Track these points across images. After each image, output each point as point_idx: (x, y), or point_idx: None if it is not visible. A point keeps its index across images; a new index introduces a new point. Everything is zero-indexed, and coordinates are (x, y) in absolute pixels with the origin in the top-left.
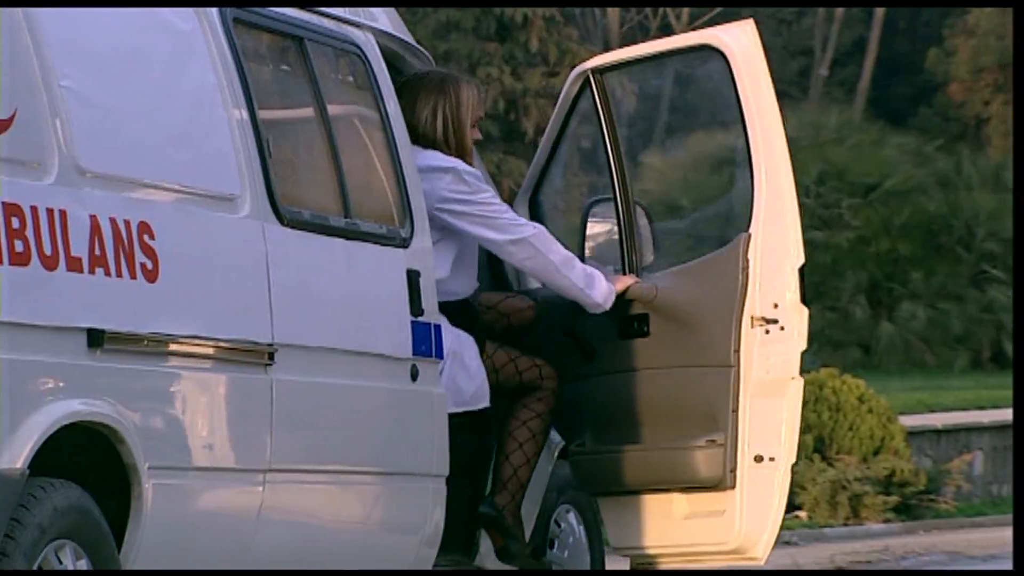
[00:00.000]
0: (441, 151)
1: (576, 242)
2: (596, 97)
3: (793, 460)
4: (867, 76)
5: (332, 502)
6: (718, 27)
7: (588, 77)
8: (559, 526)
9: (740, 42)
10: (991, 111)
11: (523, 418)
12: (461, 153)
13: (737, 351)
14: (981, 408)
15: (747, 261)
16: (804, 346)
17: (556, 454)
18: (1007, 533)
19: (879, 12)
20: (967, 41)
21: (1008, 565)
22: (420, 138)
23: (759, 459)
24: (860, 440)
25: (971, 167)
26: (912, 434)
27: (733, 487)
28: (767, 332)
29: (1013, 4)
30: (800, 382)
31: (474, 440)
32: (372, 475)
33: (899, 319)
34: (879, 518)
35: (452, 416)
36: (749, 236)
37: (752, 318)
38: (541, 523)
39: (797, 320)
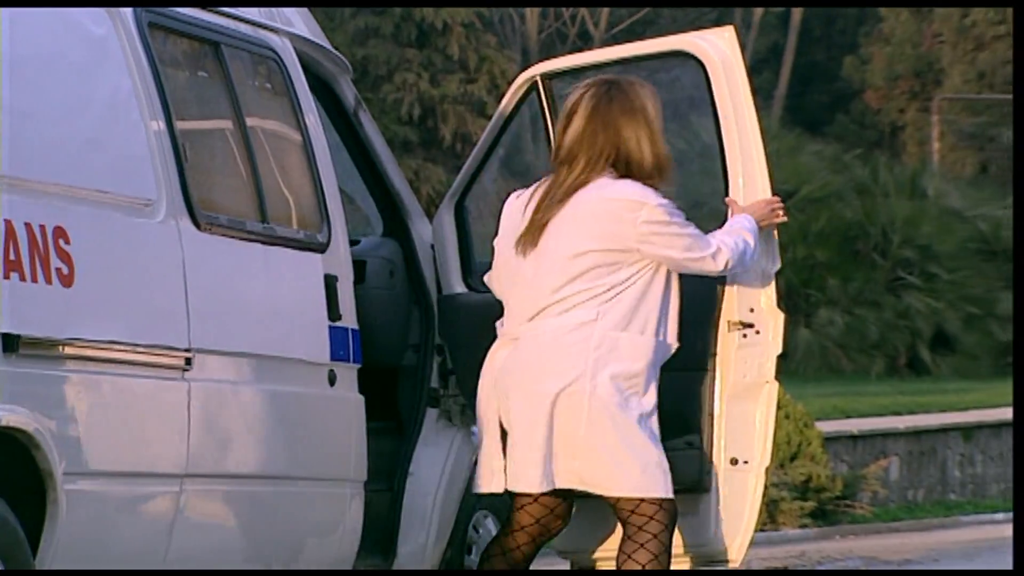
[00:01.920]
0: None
1: None
2: (544, 103)
3: (768, 463)
4: (784, 83)
5: (250, 507)
6: (695, 33)
7: (536, 82)
8: (477, 531)
9: (718, 49)
10: (906, 118)
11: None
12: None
13: (714, 355)
14: (897, 414)
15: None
16: (780, 350)
17: (474, 459)
18: (923, 538)
19: (795, 19)
20: (882, 49)
21: (930, 566)
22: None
23: (734, 462)
24: (777, 446)
25: (887, 174)
26: (829, 440)
27: (708, 490)
28: (744, 336)
29: (1013, 4)
30: (775, 386)
31: (393, 444)
32: (290, 480)
33: (816, 325)
34: (796, 524)
35: (370, 420)
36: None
37: (729, 322)
38: (459, 528)
39: (773, 324)
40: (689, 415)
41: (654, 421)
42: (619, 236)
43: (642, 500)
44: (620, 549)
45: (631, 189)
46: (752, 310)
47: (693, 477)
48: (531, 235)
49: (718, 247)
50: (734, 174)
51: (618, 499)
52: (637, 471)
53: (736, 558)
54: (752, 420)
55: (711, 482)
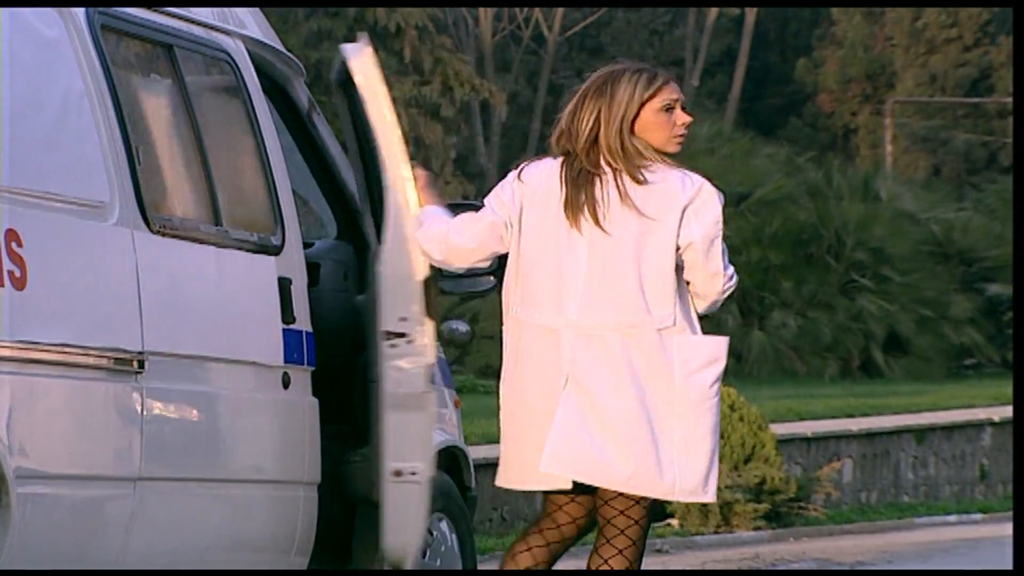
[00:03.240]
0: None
1: None
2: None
3: (432, 474)
4: (737, 86)
5: (203, 510)
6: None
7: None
8: (431, 534)
9: (361, 66)
10: (859, 121)
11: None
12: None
13: (375, 365)
14: (850, 416)
15: (377, 275)
16: (432, 359)
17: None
18: (876, 540)
19: (749, 23)
20: (835, 52)
21: (885, 567)
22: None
23: (399, 474)
24: (731, 448)
25: (840, 177)
26: (782, 442)
27: (378, 503)
28: (393, 346)
29: (1013, 4)
30: (432, 395)
31: (347, 448)
32: (243, 483)
33: (770, 328)
34: (750, 526)
35: (323, 423)
36: (380, 249)
37: (384, 332)
38: None
39: (424, 333)
40: (363, 427)
41: None
42: None
43: (638, 501)
44: (597, 552)
45: None
46: (403, 319)
47: (364, 490)
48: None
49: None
50: (385, 185)
51: (615, 496)
52: (655, 471)
53: (410, 567)
54: (415, 430)
55: (380, 494)
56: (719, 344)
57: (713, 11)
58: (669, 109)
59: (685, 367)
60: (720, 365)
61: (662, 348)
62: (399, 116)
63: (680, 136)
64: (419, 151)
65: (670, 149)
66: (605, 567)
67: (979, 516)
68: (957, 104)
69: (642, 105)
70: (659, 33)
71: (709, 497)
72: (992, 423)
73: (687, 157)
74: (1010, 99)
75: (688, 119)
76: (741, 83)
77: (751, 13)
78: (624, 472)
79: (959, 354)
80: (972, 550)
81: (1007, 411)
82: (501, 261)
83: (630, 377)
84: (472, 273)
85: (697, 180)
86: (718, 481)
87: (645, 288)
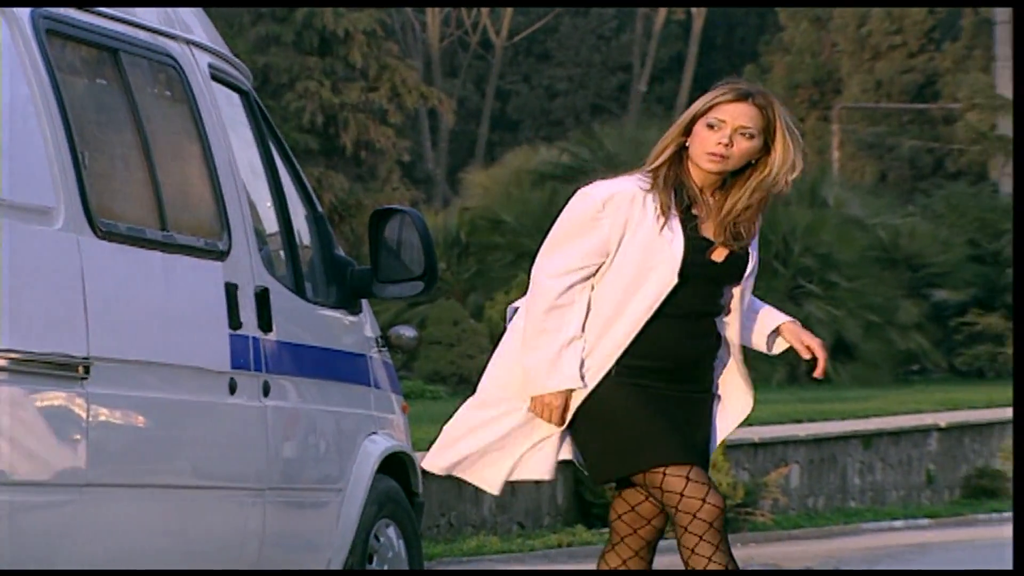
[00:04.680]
0: None
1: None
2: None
3: None
4: (685, 92)
5: (150, 516)
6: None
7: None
8: (378, 540)
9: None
10: (806, 127)
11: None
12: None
13: None
14: (798, 422)
15: None
16: None
17: (376, 468)
18: (823, 545)
19: (696, 28)
20: (782, 58)
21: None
22: None
23: None
24: None
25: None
26: (730, 447)
27: None
28: None
29: (1013, 4)
30: None
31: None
32: (189, 488)
33: None
34: None
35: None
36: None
37: None
38: (360, 538)
39: None
40: None
41: None
42: None
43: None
44: (693, 549)
45: None
46: None
47: None
48: None
49: None
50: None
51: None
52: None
53: None
54: None
55: None
56: None
57: (661, 17)
58: (712, 126)
59: None
60: None
61: None
62: (348, 122)
63: (712, 154)
64: (367, 157)
65: (702, 164)
66: (711, 565)
67: (926, 521)
68: (903, 110)
69: (696, 117)
70: (606, 39)
71: None
72: (939, 428)
73: (634, 163)
74: (955, 104)
75: (718, 138)
76: (689, 89)
77: (699, 19)
78: None
79: (906, 360)
80: (919, 555)
81: (954, 416)
82: (430, 269)
83: None
84: (405, 279)
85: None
86: None
87: None
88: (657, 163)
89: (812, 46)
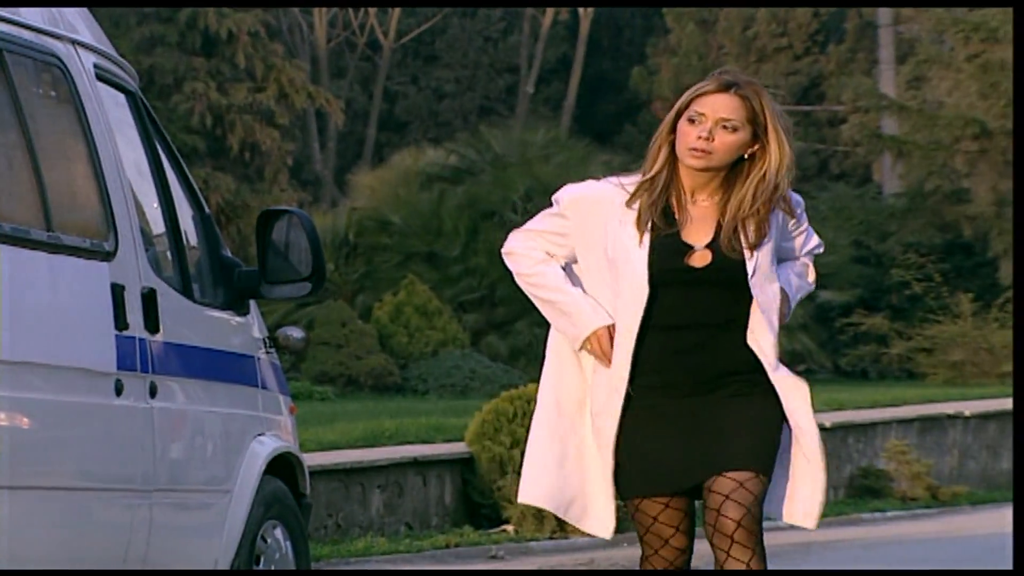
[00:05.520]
0: None
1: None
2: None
3: None
4: (572, 94)
5: (35, 517)
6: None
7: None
8: (265, 541)
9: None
10: None
11: None
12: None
13: None
14: None
15: None
16: None
17: (263, 469)
18: (704, 546)
19: (583, 30)
20: (670, 60)
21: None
22: None
23: None
24: None
25: None
26: None
27: None
28: None
29: (1013, 4)
30: None
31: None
32: (76, 490)
33: None
34: (584, 532)
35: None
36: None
37: None
38: (247, 539)
39: None
40: None
41: None
42: None
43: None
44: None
45: None
46: None
47: None
48: None
49: None
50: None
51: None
52: None
53: None
54: None
55: None
56: None
57: (548, 18)
58: (692, 121)
59: None
60: None
61: None
62: (235, 123)
63: (693, 150)
64: (253, 158)
65: (685, 161)
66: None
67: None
68: (788, 112)
69: (679, 113)
70: (493, 40)
71: None
72: (823, 428)
73: (523, 164)
74: (840, 107)
75: (698, 132)
76: (576, 91)
77: (585, 21)
78: None
79: (791, 360)
80: (803, 555)
81: (838, 416)
82: (318, 270)
83: None
84: (292, 280)
85: None
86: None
87: None
88: (653, 171)
89: (699, 48)
